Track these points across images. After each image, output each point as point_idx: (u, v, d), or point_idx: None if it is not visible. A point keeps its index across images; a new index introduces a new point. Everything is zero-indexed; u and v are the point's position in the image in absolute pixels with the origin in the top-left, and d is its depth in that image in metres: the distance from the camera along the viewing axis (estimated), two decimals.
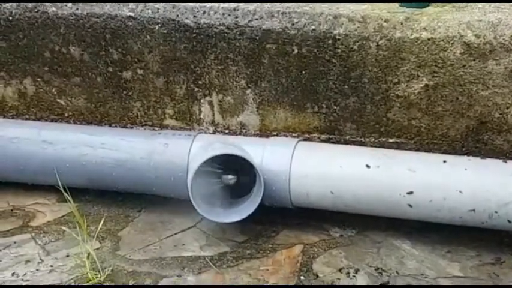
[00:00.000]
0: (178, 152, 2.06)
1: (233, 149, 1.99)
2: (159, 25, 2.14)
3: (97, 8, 2.18)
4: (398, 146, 2.08)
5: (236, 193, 2.05)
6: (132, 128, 2.29)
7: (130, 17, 2.16)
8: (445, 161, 1.96)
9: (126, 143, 2.13)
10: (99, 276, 1.88)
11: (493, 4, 2.05)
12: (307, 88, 2.10)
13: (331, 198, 1.97)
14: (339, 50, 2.03)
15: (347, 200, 1.97)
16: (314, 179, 1.98)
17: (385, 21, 2.00)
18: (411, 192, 1.91)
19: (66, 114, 2.34)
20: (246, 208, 1.98)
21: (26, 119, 2.37)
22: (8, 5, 2.24)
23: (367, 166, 1.96)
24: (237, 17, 2.09)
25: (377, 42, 2.00)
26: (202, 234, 2.08)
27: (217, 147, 2.02)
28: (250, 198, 1.99)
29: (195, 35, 2.13)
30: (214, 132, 2.22)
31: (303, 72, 2.08)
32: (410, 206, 1.92)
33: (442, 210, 1.90)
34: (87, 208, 2.20)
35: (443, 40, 1.95)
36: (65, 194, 2.00)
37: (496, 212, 1.85)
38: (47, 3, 2.21)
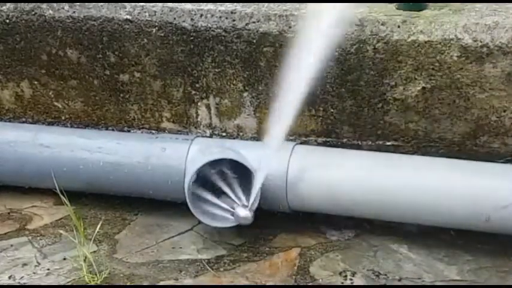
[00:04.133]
0: (176, 155, 2.07)
1: (230, 153, 1.99)
2: (156, 28, 2.14)
3: (94, 11, 2.18)
4: (395, 149, 2.08)
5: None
6: (129, 131, 2.29)
7: (127, 20, 2.16)
8: (441, 164, 1.96)
9: (124, 146, 2.13)
10: (96, 279, 1.89)
11: (490, 7, 2.05)
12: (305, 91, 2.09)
13: (328, 201, 1.97)
14: (336, 53, 2.03)
15: (344, 204, 1.97)
16: (311, 183, 1.98)
17: (382, 24, 1.99)
18: (409, 196, 1.91)
19: (63, 117, 2.34)
20: None
21: (23, 122, 2.37)
22: (5, 7, 2.24)
23: (364, 169, 1.97)
24: (234, 20, 2.09)
25: (374, 45, 2.00)
26: (199, 238, 2.08)
27: (214, 151, 2.02)
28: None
29: (192, 38, 2.13)
30: (211, 135, 2.22)
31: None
32: (407, 209, 1.92)
33: (439, 214, 1.90)
34: (84, 211, 2.20)
35: (440, 43, 1.95)
36: (62, 197, 2.00)
37: (492, 215, 1.85)
38: (44, 6, 2.21)
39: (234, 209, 1.94)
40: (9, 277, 1.93)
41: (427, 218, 1.92)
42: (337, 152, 2.08)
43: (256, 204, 1.95)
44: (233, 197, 1.95)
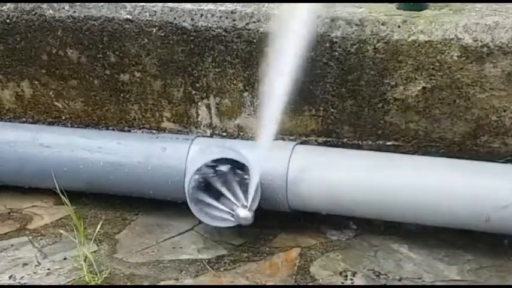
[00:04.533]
0: (176, 155, 2.06)
1: (231, 153, 1.99)
2: (157, 28, 2.14)
3: (94, 11, 2.18)
4: (395, 149, 2.08)
5: None
6: (129, 131, 2.28)
7: (127, 19, 2.16)
8: (441, 164, 1.96)
9: (124, 146, 2.13)
10: (96, 279, 1.89)
11: (490, 7, 2.05)
12: (305, 91, 2.10)
13: (328, 201, 1.97)
14: (337, 53, 2.03)
15: (344, 204, 1.97)
16: (311, 183, 1.98)
17: (382, 24, 1.99)
18: (409, 196, 1.91)
19: (63, 117, 2.34)
20: None
21: (23, 121, 2.37)
22: (5, 7, 2.24)
23: (365, 169, 1.97)
24: (234, 20, 2.09)
25: (374, 45, 2.00)
26: (199, 237, 2.08)
27: (215, 151, 2.02)
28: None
29: (192, 37, 2.13)
30: (211, 135, 2.22)
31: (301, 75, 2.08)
32: (407, 209, 1.91)
33: (439, 214, 1.90)
34: (84, 211, 2.20)
35: (440, 43, 1.95)
36: (62, 197, 2.00)
37: (492, 215, 1.84)
38: (44, 6, 2.21)
39: (234, 210, 1.93)
40: (10, 277, 1.94)
41: (428, 218, 1.92)
42: (338, 151, 2.08)
43: (256, 204, 1.95)
44: (232, 199, 1.94)
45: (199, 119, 2.22)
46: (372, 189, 1.94)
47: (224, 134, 2.22)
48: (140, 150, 2.10)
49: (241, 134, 2.21)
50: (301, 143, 2.13)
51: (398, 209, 1.93)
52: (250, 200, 1.93)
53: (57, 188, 2.04)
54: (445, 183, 1.90)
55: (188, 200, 1.97)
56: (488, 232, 1.91)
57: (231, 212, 1.94)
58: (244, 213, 1.91)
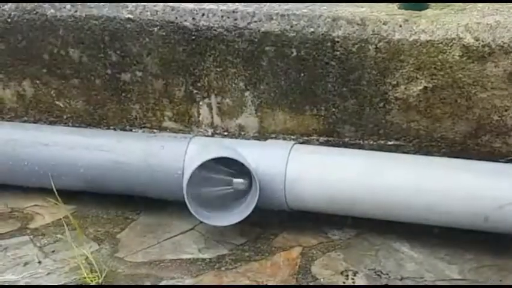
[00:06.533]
0: (174, 154, 2.06)
1: (229, 152, 1.98)
2: (158, 27, 2.14)
3: (96, 10, 2.18)
4: (397, 149, 2.08)
5: (232, 196, 2.05)
6: (131, 130, 2.29)
7: (129, 19, 2.16)
8: (443, 163, 1.96)
9: (122, 145, 2.13)
10: (97, 278, 1.89)
11: (491, 6, 2.05)
12: (306, 90, 2.10)
13: (327, 201, 1.97)
14: (338, 53, 2.03)
15: (343, 203, 1.96)
16: (310, 182, 1.97)
17: (384, 24, 2.00)
18: (408, 195, 1.91)
19: (64, 116, 2.34)
20: (242, 211, 1.98)
21: (25, 121, 2.37)
22: (6, 7, 2.24)
23: (363, 168, 1.97)
24: (236, 19, 2.09)
25: (376, 45, 2.00)
26: (201, 237, 2.08)
27: (212, 150, 2.02)
28: (246, 202, 1.99)
29: (194, 37, 2.13)
30: (213, 135, 2.22)
31: (302, 74, 2.08)
32: (406, 208, 1.91)
33: (437, 213, 1.89)
34: (85, 210, 2.20)
35: (442, 42, 1.95)
36: (57, 196, 2.01)
37: (491, 215, 1.84)
38: (46, 5, 2.21)
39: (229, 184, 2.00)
40: (11, 276, 1.93)
41: (425, 217, 1.92)
42: (336, 151, 2.08)
43: (255, 201, 1.95)
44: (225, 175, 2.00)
45: (200, 119, 2.22)
46: (371, 189, 1.93)
47: (225, 133, 2.22)
48: (139, 148, 2.10)
49: (243, 133, 2.21)
50: (303, 142, 2.13)
51: (398, 208, 1.92)
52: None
53: (53, 187, 2.05)
54: (446, 182, 1.89)
55: (186, 199, 1.95)
56: (489, 231, 1.91)
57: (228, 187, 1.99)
58: (239, 180, 2.00)
